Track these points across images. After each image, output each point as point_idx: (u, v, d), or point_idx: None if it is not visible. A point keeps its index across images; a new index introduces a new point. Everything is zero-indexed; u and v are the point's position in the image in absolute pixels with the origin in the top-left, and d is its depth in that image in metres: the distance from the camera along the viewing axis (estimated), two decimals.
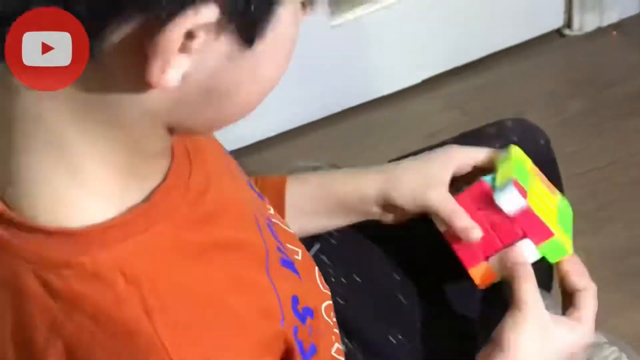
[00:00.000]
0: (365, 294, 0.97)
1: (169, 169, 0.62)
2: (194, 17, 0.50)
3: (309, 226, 0.94)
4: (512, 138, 1.04)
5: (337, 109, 1.95)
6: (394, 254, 0.99)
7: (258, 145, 1.89)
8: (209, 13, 0.51)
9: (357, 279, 0.97)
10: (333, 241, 0.99)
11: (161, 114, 0.57)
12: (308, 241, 0.98)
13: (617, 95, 1.87)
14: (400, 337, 0.94)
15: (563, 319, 0.83)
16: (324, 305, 0.80)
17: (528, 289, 0.81)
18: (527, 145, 1.04)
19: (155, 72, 0.52)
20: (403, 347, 0.94)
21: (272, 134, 1.91)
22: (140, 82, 0.52)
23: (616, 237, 1.67)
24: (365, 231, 0.97)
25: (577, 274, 0.85)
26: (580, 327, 0.82)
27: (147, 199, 0.60)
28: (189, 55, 0.52)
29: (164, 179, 0.61)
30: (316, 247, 0.98)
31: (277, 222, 0.80)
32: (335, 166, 1.16)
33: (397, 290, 0.97)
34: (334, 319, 0.81)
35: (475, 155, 0.91)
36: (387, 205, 0.90)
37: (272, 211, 0.81)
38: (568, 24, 2.02)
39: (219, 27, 0.52)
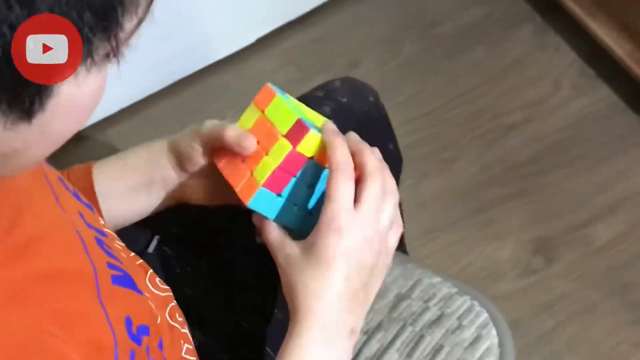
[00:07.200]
0: (213, 281, 0.95)
1: None
2: None
3: (121, 210, 0.89)
4: (340, 99, 1.04)
5: (174, 77, 1.91)
6: (239, 235, 0.96)
7: (101, 124, 1.83)
8: None
9: (204, 265, 0.95)
10: (174, 230, 0.97)
11: None
12: (147, 234, 0.96)
13: (446, 33, 1.89)
14: (253, 319, 0.93)
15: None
16: (167, 309, 0.78)
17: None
18: (357, 104, 1.04)
19: None
20: (257, 331, 0.92)
21: (114, 110, 1.86)
22: None
23: (463, 174, 1.71)
24: (204, 216, 0.95)
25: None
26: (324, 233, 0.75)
27: None
28: None
29: None
30: (156, 239, 0.95)
31: (108, 231, 0.77)
32: None
33: (247, 273, 0.96)
34: (181, 318, 0.79)
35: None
36: (180, 167, 0.86)
37: (102, 222, 0.78)
38: None
39: None
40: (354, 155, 0.78)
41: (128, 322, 0.67)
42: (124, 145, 1.54)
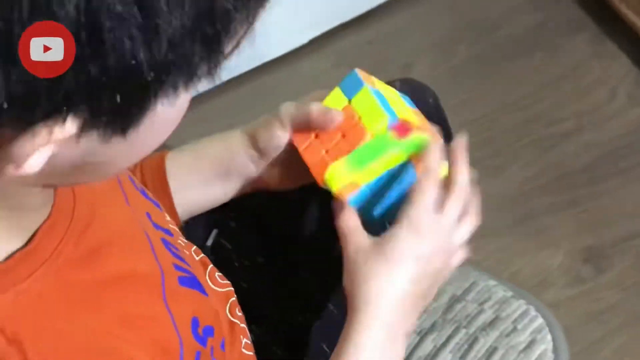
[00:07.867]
0: (270, 276, 0.95)
1: (52, 204, 0.58)
2: (48, 136, 0.46)
3: (196, 200, 0.89)
4: None
5: (227, 76, 1.92)
6: (292, 230, 0.97)
7: None
8: (66, 128, 0.46)
9: (260, 259, 0.96)
10: (232, 224, 0.97)
11: (34, 182, 0.53)
12: (205, 228, 0.96)
13: (502, 38, 1.89)
14: (308, 315, 0.93)
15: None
16: (228, 305, 0.78)
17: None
18: (417, 105, 1.04)
19: (8, 171, 0.48)
20: (311, 325, 0.93)
21: None
22: None
23: (515, 180, 1.70)
24: (263, 210, 0.96)
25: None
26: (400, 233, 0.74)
27: (29, 240, 0.56)
28: (49, 145, 0.47)
29: (48, 216, 0.58)
30: (215, 232, 0.96)
31: (173, 228, 0.77)
32: None
33: (304, 269, 0.96)
34: (240, 313, 0.79)
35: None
36: (259, 157, 0.86)
37: (167, 218, 0.79)
38: None
39: (82, 132, 0.47)
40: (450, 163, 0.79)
41: (194, 323, 0.68)
42: (175, 143, 1.56)
